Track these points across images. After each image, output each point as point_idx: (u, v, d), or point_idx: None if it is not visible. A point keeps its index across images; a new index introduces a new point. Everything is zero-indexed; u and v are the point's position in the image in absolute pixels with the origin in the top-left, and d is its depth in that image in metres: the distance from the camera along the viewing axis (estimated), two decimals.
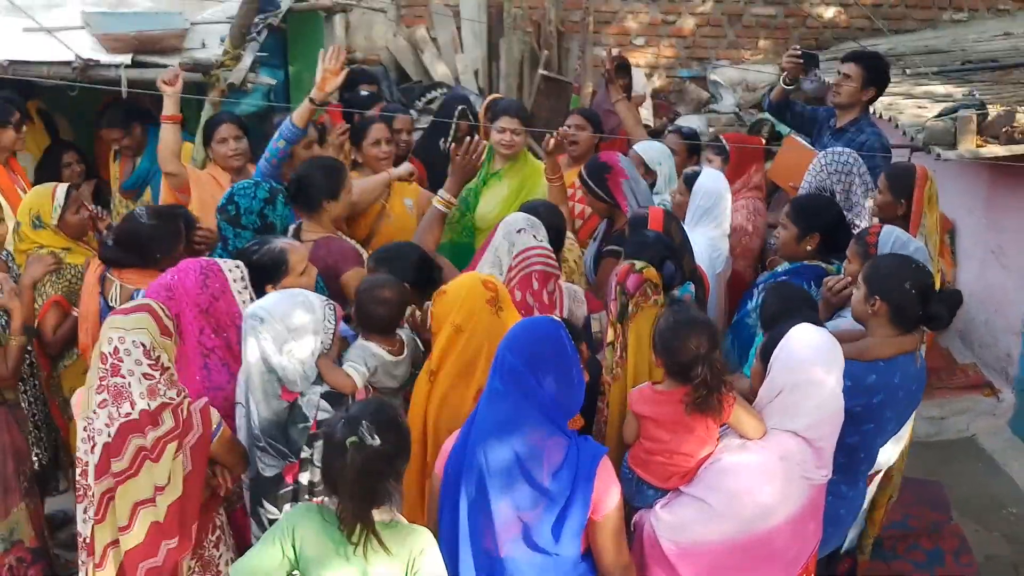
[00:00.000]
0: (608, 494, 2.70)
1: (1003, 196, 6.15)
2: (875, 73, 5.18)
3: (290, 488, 3.15)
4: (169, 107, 4.63)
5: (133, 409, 2.90)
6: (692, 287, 3.79)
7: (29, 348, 4.28)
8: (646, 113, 9.36)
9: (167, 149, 4.65)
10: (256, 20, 5.44)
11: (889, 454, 3.74)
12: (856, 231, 4.45)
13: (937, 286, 3.90)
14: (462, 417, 3.10)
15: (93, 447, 2.95)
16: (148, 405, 2.92)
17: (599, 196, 4.44)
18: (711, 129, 9.47)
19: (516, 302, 3.51)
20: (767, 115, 9.10)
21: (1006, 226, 6.15)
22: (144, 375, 2.92)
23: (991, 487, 5.48)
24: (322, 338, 3.16)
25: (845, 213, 4.51)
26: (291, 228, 4.18)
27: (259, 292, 3.50)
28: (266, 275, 3.57)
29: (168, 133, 4.64)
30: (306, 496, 3.15)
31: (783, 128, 8.64)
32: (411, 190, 5.15)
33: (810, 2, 9.82)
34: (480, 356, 3.18)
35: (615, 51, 9.45)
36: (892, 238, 3.79)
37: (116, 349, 2.90)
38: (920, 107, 6.36)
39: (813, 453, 2.97)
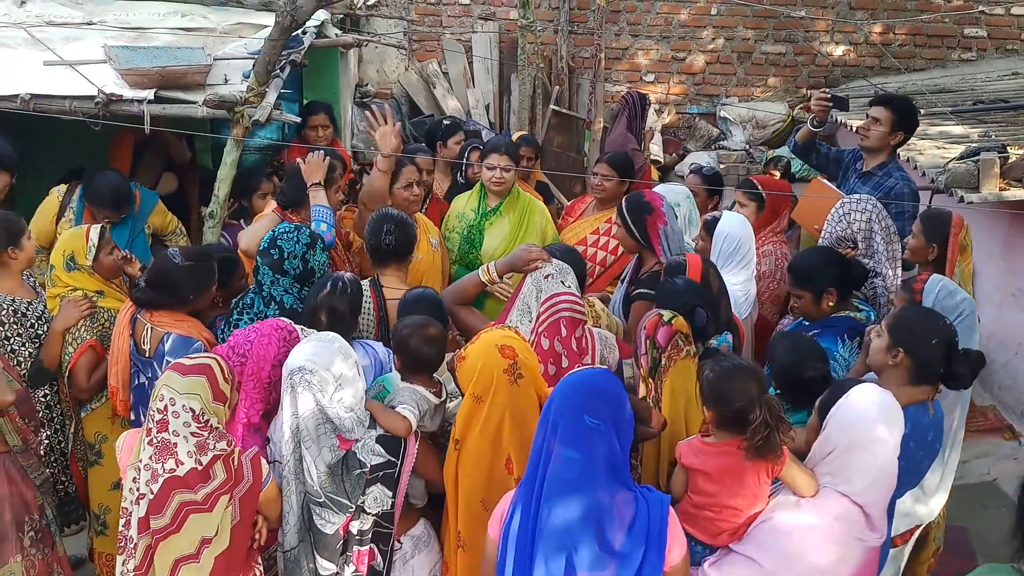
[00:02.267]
0: (676, 544, 2.66)
1: (1022, 239, 6.14)
2: (904, 117, 5.15)
3: (341, 540, 3.13)
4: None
5: (179, 467, 2.88)
6: (729, 337, 3.75)
7: (47, 391, 4.23)
8: (656, 149, 9.39)
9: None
10: (279, 56, 5.41)
11: (931, 507, 3.69)
12: (874, 276, 4.44)
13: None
14: (493, 488, 3.11)
15: (140, 499, 2.92)
16: (198, 463, 2.89)
17: (634, 234, 4.40)
18: (721, 166, 9.49)
19: (544, 350, 3.46)
20: (781, 152, 9.14)
21: None
22: (192, 434, 2.90)
23: None
24: (363, 381, 3.14)
25: (866, 261, 4.49)
26: (366, 281, 4.20)
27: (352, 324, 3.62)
28: (357, 306, 3.76)
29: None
30: (355, 546, 3.12)
31: (796, 164, 8.68)
32: (434, 229, 5.14)
33: (819, 40, 9.86)
34: (504, 427, 3.14)
35: (626, 87, 9.58)
36: (938, 287, 3.75)
37: (166, 407, 2.89)
38: (939, 148, 6.36)
39: (864, 518, 2.92)
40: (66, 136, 5.77)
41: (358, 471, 3.10)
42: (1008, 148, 5.88)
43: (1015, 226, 6.15)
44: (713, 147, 9.90)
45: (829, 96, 5.52)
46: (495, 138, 5.51)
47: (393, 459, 3.14)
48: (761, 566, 2.89)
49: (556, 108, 9.41)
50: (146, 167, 6.39)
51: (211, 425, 2.94)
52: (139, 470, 2.93)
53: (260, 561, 3.24)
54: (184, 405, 2.89)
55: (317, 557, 3.15)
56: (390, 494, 3.14)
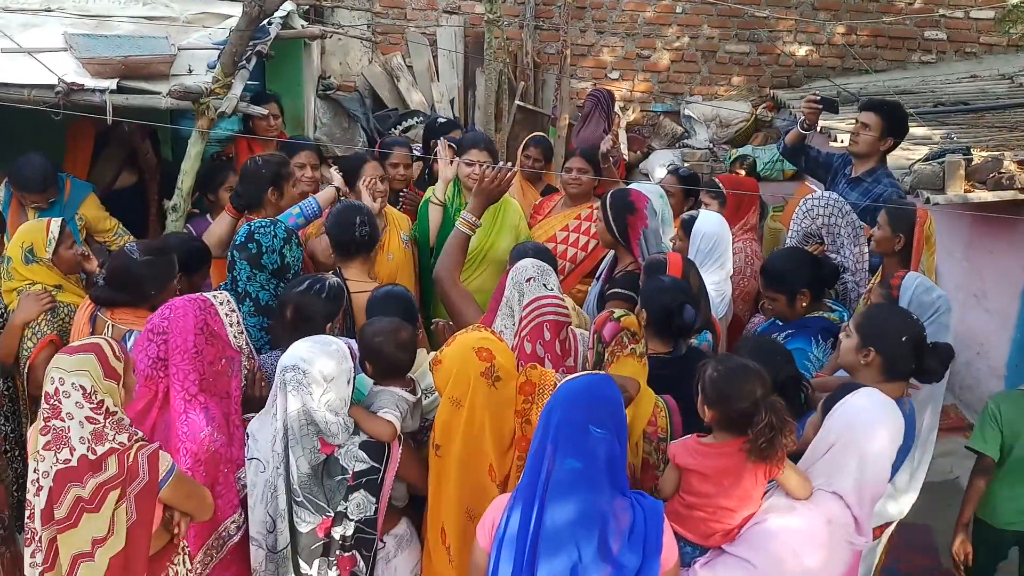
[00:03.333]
0: (669, 551, 2.65)
1: (984, 240, 6.22)
2: (894, 123, 5.13)
3: (321, 542, 3.06)
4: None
5: (72, 456, 2.75)
6: (709, 335, 3.73)
7: (9, 384, 4.11)
8: (621, 146, 9.38)
9: None
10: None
11: (902, 506, 3.71)
12: (842, 271, 4.46)
13: None
14: (478, 496, 3.05)
15: (39, 490, 2.79)
16: (91, 451, 2.76)
17: (613, 231, 4.35)
18: (685, 164, 9.51)
19: (527, 354, 3.41)
20: (744, 151, 9.20)
21: (988, 270, 6.22)
22: (87, 418, 2.76)
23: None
24: (351, 387, 3.08)
25: (833, 255, 4.51)
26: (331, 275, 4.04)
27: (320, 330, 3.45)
28: (332, 313, 3.61)
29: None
30: (337, 551, 3.05)
31: (761, 163, 8.75)
32: (406, 225, 5.07)
33: (783, 40, 9.92)
34: (484, 432, 3.07)
35: (592, 84, 9.56)
36: (915, 284, 3.77)
37: (57, 390, 2.76)
38: (903, 149, 6.40)
39: (852, 519, 2.91)
40: (25, 127, 5.61)
41: (339, 477, 3.04)
42: (972, 150, 5.95)
43: (977, 227, 6.22)
44: (677, 145, 9.92)
45: (819, 99, 5.50)
46: (474, 133, 5.40)
47: (376, 465, 3.08)
48: (754, 567, 2.87)
49: (521, 104, 9.37)
50: (106, 159, 6.26)
51: (107, 408, 2.79)
52: (37, 460, 2.80)
53: (179, 560, 3.08)
54: (73, 383, 2.74)
55: (299, 559, 3.08)
56: (373, 500, 3.08)
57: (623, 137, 9.60)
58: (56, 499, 2.75)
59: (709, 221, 4.57)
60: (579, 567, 2.54)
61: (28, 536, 2.87)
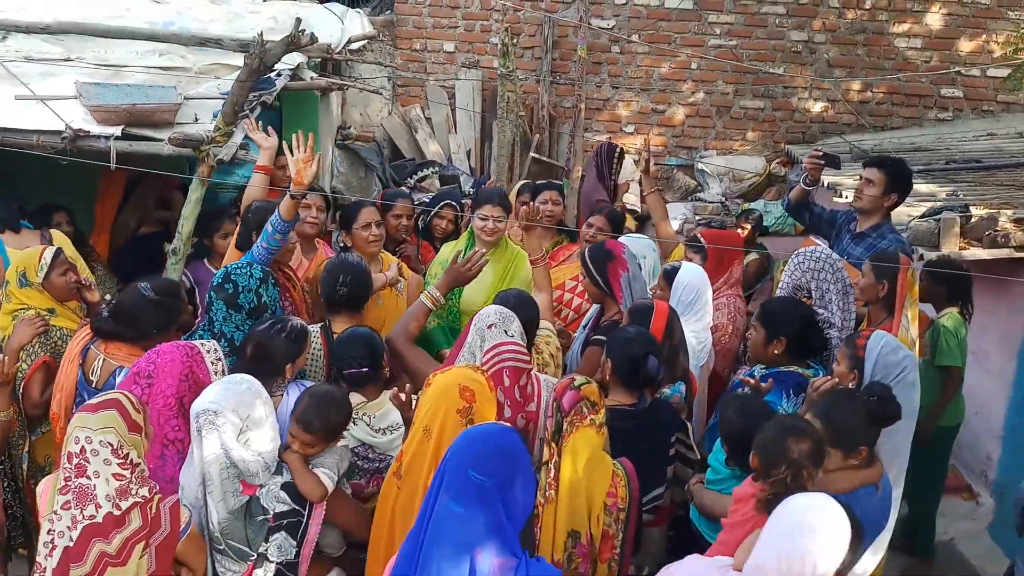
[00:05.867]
0: None
1: (985, 299, 6.15)
2: (898, 179, 5.19)
3: None
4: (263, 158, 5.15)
5: (98, 512, 2.81)
6: (683, 387, 3.74)
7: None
8: (633, 199, 9.44)
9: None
10: (250, 97, 5.46)
11: (865, 565, 3.67)
12: (828, 327, 4.47)
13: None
14: None
15: (52, 551, 2.84)
16: (115, 507, 2.82)
17: (597, 282, 4.44)
18: (697, 217, 9.55)
19: None
20: (756, 205, 9.22)
21: (988, 329, 6.15)
22: (114, 475, 2.84)
23: None
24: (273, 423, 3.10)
25: (820, 311, 4.51)
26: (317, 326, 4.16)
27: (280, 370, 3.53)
28: (293, 354, 3.65)
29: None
30: None
31: (769, 218, 8.76)
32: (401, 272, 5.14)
33: (798, 96, 9.97)
34: None
35: (607, 137, 9.66)
36: (881, 343, 3.77)
37: (83, 449, 2.82)
38: (906, 206, 6.39)
39: None
40: (40, 172, 5.81)
41: (261, 517, 3.04)
42: (972, 208, 5.94)
43: (976, 286, 6.15)
44: (690, 199, 9.96)
45: (821, 155, 5.56)
46: (489, 189, 5.55)
47: (299, 508, 3.09)
48: None
49: (536, 156, 9.49)
50: (132, 208, 6.49)
51: (132, 461, 2.87)
52: (53, 520, 2.85)
53: None
54: (101, 440, 2.82)
55: None
56: (294, 543, 3.07)
57: (635, 189, 9.65)
58: (79, 557, 2.80)
59: (691, 272, 4.62)
60: None
61: None
